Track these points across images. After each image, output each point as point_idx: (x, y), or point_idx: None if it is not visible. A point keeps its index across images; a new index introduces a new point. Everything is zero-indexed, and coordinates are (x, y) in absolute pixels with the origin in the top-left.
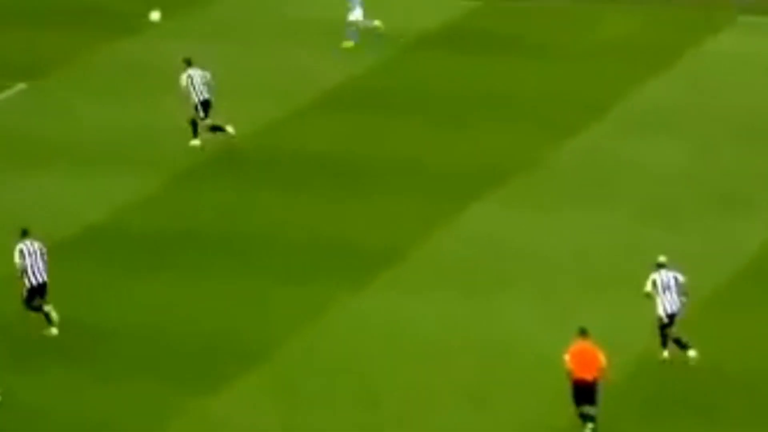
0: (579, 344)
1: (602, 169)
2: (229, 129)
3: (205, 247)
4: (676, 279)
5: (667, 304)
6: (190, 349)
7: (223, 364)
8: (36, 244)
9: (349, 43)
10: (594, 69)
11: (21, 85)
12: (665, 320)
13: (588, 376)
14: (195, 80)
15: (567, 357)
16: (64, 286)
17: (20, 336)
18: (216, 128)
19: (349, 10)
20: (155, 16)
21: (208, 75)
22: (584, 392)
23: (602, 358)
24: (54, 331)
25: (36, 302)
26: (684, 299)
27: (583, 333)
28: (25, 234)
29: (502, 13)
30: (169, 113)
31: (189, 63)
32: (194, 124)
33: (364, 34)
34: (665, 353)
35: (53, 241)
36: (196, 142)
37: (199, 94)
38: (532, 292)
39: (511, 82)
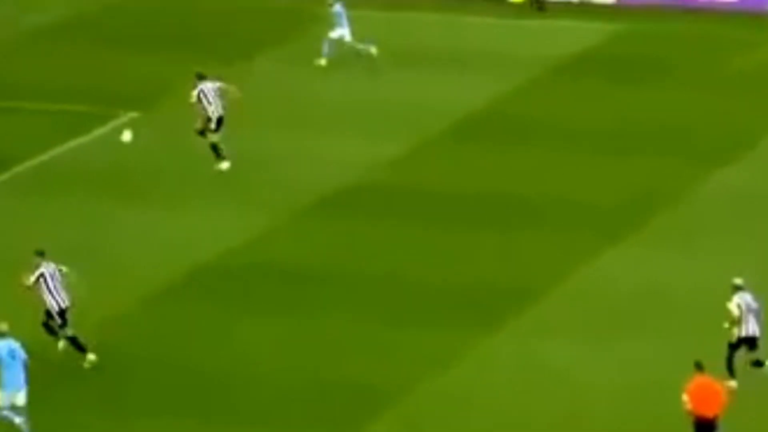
0: (697, 380)
1: (754, 205)
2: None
3: (325, 287)
4: (755, 301)
5: (750, 326)
6: (311, 395)
7: (349, 412)
8: (52, 266)
9: (322, 61)
10: (745, 97)
11: (132, 114)
12: (736, 342)
13: (709, 413)
14: (208, 95)
15: (685, 396)
16: (170, 327)
17: (120, 378)
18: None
19: (333, 26)
20: (127, 136)
21: (223, 86)
22: (707, 429)
23: (723, 393)
24: (92, 356)
25: (52, 324)
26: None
27: (699, 368)
28: (42, 255)
29: (646, 37)
30: (284, 145)
31: (201, 77)
32: (215, 148)
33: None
34: (733, 383)
35: (160, 278)
36: (224, 164)
37: (215, 110)
38: (672, 338)
39: (654, 111)
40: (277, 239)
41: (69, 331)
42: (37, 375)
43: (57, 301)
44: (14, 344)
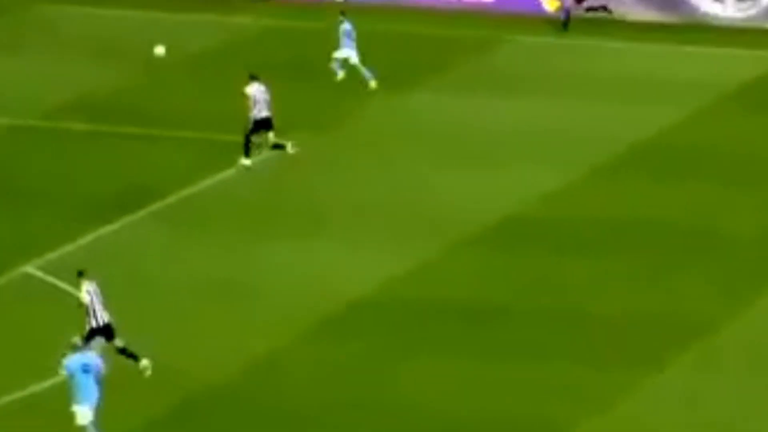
0: None
1: None
2: (289, 148)
3: (484, 323)
4: None
5: None
6: None
7: None
8: (94, 284)
9: (340, 76)
10: None
11: (289, 143)
12: None
13: None
14: (255, 95)
15: None
16: (326, 366)
17: (271, 420)
18: (277, 146)
19: (344, 48)
20: (160, 50)
21: (266, 92)
22: None
23: None
24: (145, 362)
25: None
26: None
27: None
28: (83, 274)
29: None
30: (441, 176)
31: (253, 77)
32: (247, 143)
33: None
34: None
35: (314, 313)
36: (246, 162)
37: (259, 111)
38: None
39: None
40: (435, 273)
41: (119, 343)
42: (193, 410)
43: (97, 318)
44: (87, 358)
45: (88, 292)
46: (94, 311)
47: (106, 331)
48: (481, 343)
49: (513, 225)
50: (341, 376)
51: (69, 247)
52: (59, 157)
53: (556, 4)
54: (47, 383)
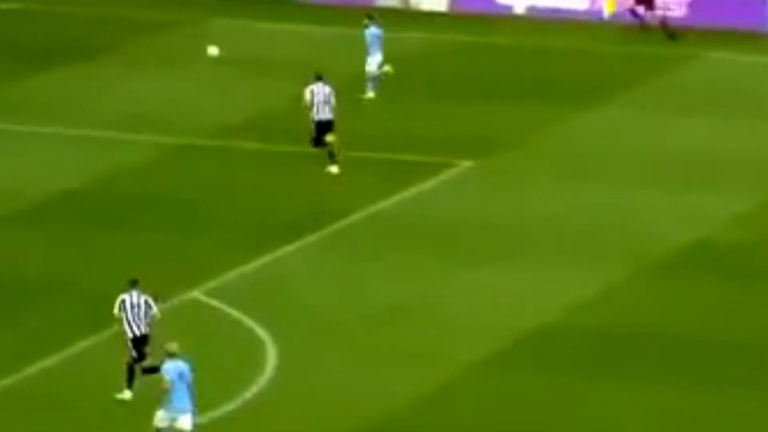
0: None
1: None
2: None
3: (670, 351)
4: None
5: None
6: None
7: None
8: (142, 297)
9: (369, 95)
10: None
11: (466, 163)
12: None
13: None
14: (316, 97)
15: None
16: (502, 394)
17: None
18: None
19: (369, 56)
20: (213, 51)
21: (331, 93)
22: None
23: None
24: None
25: (134, 367)
26: None
27: None
28: (133, 284)
29: None
30: (621, 197)
31: (318, 77)
32: (317, 144)
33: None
34: None
35: (497, 341)
36: (333, 169)
37: (317, 113)
38: None
39: None
40: (621, 298)
41: (147, 362)
42: None
43: (132, 329)
44: (183, 365)
45: (123, 301)
46: (128, 321)
47: (140, 343)
48: (667, 372)
49: (701, 249)
50: (520, 406)
51: (240, 271)
52: (231, 177)
53: (613, 7)
54: (219, 411)
